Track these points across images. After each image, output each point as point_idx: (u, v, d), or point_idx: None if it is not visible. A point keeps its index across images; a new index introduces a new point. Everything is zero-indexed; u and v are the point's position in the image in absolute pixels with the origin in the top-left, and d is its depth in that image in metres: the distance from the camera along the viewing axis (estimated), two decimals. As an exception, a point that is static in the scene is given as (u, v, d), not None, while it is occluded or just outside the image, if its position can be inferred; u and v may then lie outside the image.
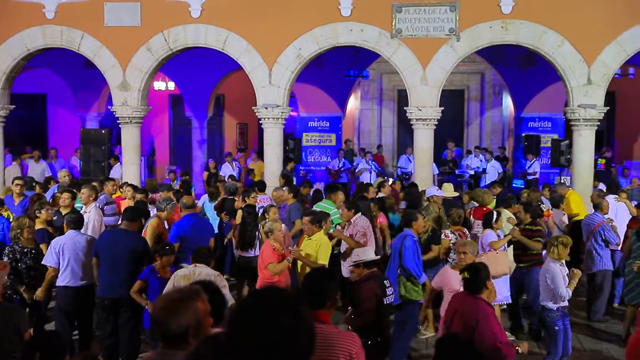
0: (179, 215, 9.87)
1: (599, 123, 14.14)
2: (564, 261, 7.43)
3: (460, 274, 5.94)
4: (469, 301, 5.54)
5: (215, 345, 2.27)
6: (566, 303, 7.27)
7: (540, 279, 7.40)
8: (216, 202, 12.19)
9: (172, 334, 2.99)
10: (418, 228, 8.16)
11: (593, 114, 13.76)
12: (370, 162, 18.46)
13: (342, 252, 9.21)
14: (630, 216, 10.79)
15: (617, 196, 11.84)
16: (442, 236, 9.19)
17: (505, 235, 8.98)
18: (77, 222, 8.10)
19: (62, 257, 7.75)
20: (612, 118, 21.06)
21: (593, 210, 10.53)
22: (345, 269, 8.58)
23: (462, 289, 5.86)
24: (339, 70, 19.50)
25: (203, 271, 6.78)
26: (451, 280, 7.05)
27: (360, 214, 9.18)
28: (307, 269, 7.70)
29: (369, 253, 6.82)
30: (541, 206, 10.80)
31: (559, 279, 7.08)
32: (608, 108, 14.35)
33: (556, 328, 7.15)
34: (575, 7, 13.59)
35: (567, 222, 11.57)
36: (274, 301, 1.94)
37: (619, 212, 11.47)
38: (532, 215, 9.16)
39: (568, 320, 7.33)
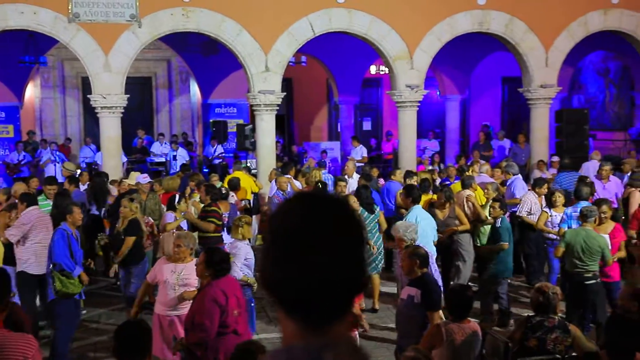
0: None
1: (278, 108, 15.16)
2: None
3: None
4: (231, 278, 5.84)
5: None
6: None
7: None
8: None
9: None
10: (75, 221, 7.83)
11: (272, 99, 14.70)
12: (54, 153, 17.41)
13: None
14: None
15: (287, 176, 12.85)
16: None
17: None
18: None
19: None
20: (291, 103, 22.72)
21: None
22: None
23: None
24: (12, 56, 17.93)
25: None
26: (162, 272, 6.66)
27: (34, 207, 8.47)
28: None
29: None
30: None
31: (238, 259, 7.49)
32: (285, 94, 15.48)
33: (252, 305, 7.60)
34: (252, -3, 14.33)
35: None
36: None
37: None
38: (212, 198, 9.44)
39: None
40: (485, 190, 10.30)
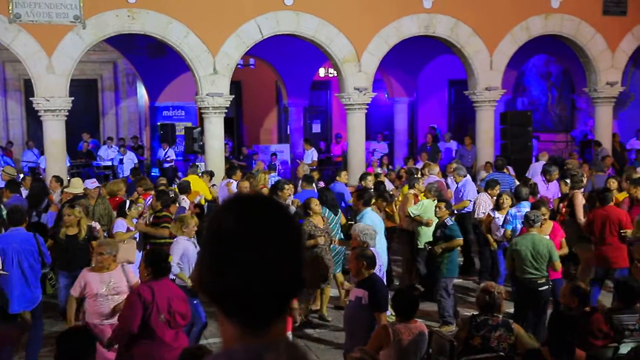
0: None
1: (226, 110, 15.08)
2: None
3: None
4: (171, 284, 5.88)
5: None
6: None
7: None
8: None
9: None
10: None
11: (220, 102, 14.62)
12: (2, 157, 17.00)
13: None
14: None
15: (230, 180, 12.77)
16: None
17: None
18: None
19: None
20: (240, 105, 22.61)
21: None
22: None
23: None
24: (-50, 57, 17.43)
25: None
26: (91, 285, 6.47)
27: None
28: None
29: None
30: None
31: (176, 253, 7.47)
32: (234, 96, 15.41)
33: (194, 302, 7.52)
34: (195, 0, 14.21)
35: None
36: None
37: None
38: (163, 204, 9.30)
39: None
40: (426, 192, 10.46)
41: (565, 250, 8.76)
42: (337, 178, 12.61)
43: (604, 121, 17.32)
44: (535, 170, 14.37)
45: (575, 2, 16.36)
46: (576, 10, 16.43)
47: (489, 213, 10.22)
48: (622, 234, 8.99)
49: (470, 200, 11.43)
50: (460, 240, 8.94)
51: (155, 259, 5.69)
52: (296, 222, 1.51)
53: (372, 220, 8.63)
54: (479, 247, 11.07)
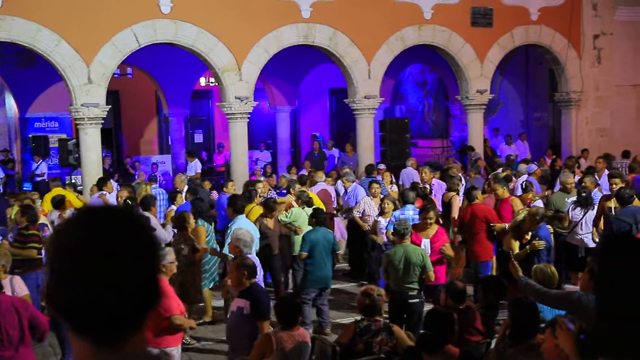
0: None
1: (103, 121, 14.56)
2: None
3: None
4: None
5: None
6: None
7: None
8: None
9: None
10: None
11: (97, 112, 14.10)
12: None
13: None
14: None
15: (103, 192, 12.38)
16: None
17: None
18: None
19: None
20: (118, 116, 21.94)
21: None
22: None
23: None
24: None
25: None
26: None
27: None
28: None
29: None
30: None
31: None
32: (110, 106, 14.92)
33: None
34: (71, 6, 13.64)
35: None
36: None
37: None
38: (29, 219, 8.80)
39: None
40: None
41: (450, 252, 8.73)
42: (224, 189, 12.48)
43: (475, 127, 18.17)
44: (402, 175, 14.93)
45: (446, 14, 17.10)
46: (447, 21, 17.17)
47: (375, 220, 10.38)
48: (492, 227, 9.49)
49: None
50: (302, 254, 8.81)
51: None
52: (149, 232, 1.47)
53: (243, 227, 8.49)
54: (366, 250, 11.26)
